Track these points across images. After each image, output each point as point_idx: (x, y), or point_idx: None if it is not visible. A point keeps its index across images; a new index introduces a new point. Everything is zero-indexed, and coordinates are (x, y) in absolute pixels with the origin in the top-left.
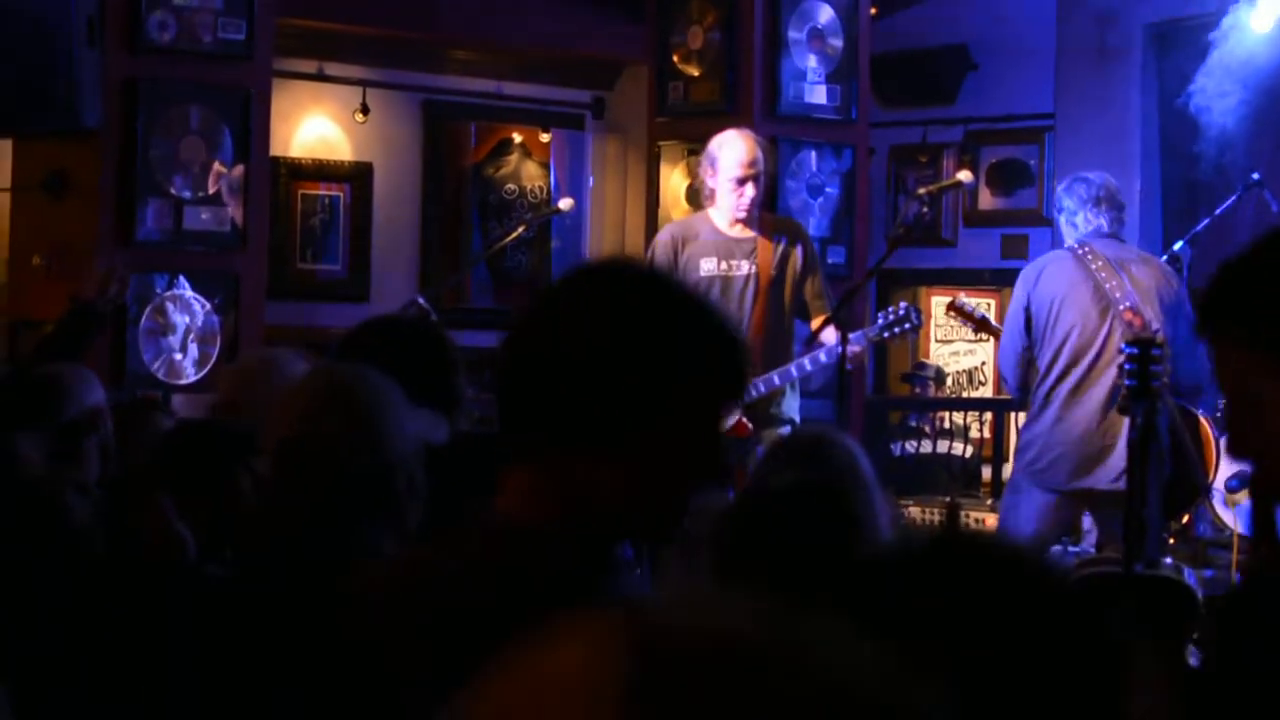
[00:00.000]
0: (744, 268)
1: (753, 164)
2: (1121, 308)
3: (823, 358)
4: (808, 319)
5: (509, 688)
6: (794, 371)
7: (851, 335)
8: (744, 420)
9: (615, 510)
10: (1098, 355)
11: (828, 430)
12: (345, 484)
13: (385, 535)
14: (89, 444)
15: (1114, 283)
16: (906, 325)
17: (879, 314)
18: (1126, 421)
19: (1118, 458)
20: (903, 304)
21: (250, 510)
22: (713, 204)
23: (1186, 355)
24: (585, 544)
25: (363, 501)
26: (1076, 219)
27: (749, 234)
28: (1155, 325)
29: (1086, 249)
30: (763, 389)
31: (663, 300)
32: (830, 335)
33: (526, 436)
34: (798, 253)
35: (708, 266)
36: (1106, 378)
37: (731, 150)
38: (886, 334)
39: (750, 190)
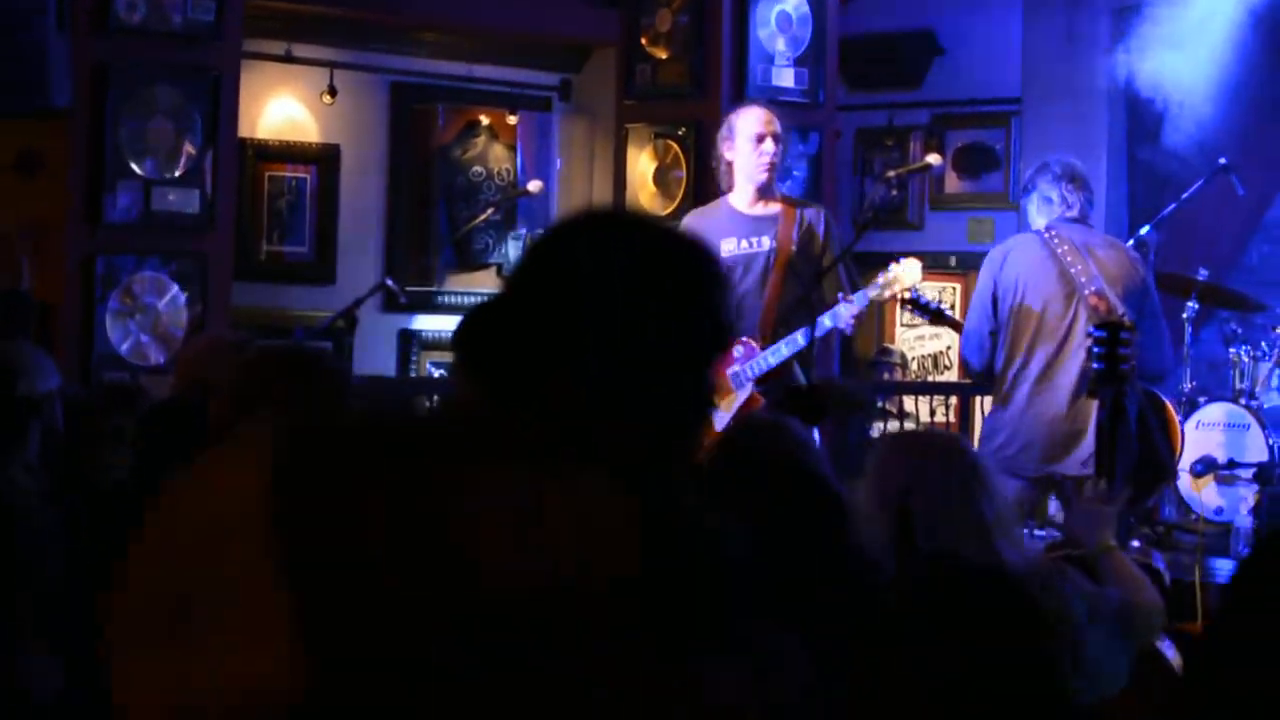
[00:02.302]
0: (764, 244)
1: (770, 122)
2: (1086, 292)
3: (827, 321)
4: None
5: (175, 505)
6: (801, 340)
7: (853, 295)
8: (756, 393)
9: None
10: (1064, 340)
11: (780, 416)
12: None
13: None
14: (32, 427)
15: (1079, 267)
16: (896, 287)
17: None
18: (1096, 405)
19: (1088, 442)
20: (893, 264)
21: None
22: (731, 185)
23: (1151, 341)
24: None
25: None
26: (1045, 202)
27: (771, 209)
28: (1120, 310)
29: (1053, 233)
30: (771, 362)
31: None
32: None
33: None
34: (819, 231)
35: (728, 247)
36: (1074, 362)
37: (748, 113)
38: (886, 293)
39: (770, 147)
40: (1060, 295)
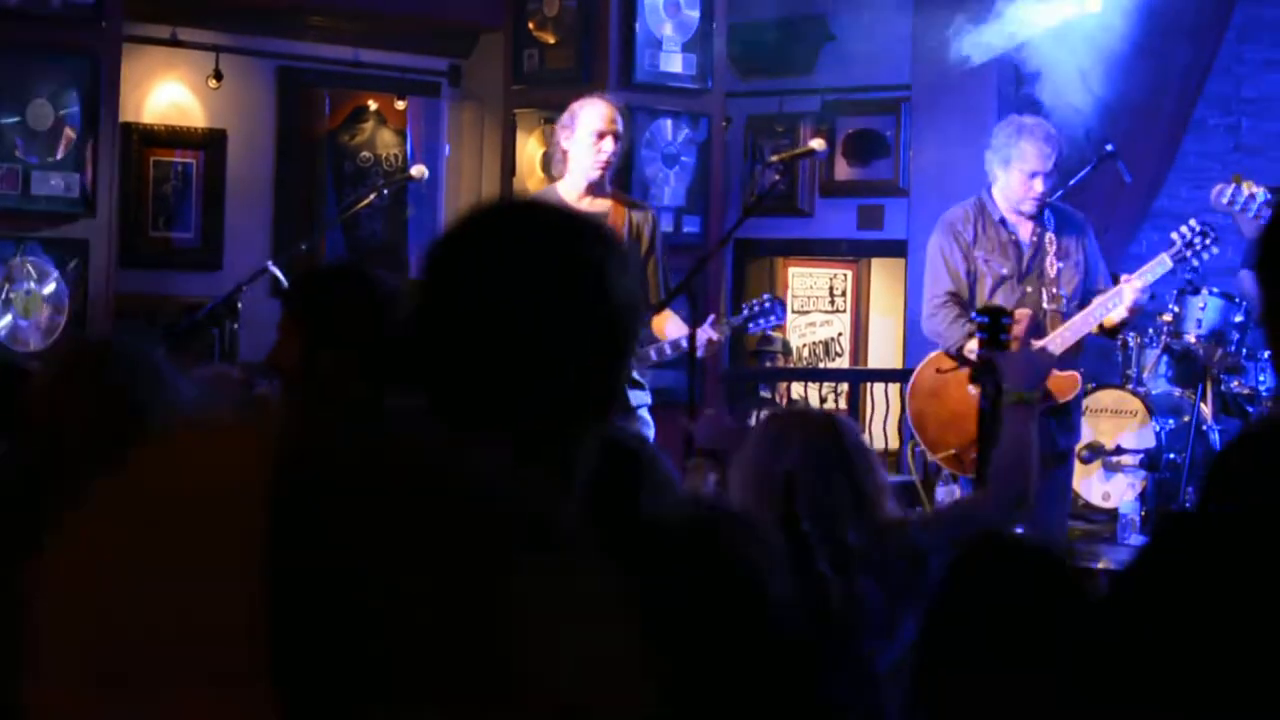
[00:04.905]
0: None
1: (613, 120)
2: None
3: (668, 350)
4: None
5: (148, 481)
6: (653, 355)
7: (709, 321)
8: None
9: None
10: None
11: None
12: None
13: None
14: None
15: None
16: (772, 319)
17: (745, 306)
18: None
19: None
20: (766, 296)
21: None
22: (564, 173)
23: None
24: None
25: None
26: None
27: (600, 207)
28: None
29: None
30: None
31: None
32: (674, 329)
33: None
34: (646, 230)
35: None
36: None
37: (593, 107)
38: (751, 326)
39: (609, 146)
40: None
